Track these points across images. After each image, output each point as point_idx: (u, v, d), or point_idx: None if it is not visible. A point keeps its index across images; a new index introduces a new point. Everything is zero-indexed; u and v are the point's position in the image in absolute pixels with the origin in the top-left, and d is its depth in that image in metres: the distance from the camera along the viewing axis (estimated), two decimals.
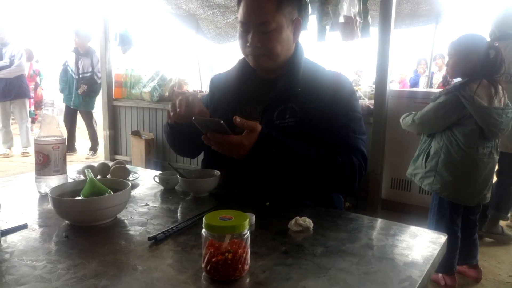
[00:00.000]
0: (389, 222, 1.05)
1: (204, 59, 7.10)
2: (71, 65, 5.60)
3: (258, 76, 1.36)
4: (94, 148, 5.96)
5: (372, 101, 3.38)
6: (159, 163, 4.49)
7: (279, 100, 1.27)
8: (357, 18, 3.46)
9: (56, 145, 1.20)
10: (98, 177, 1.34)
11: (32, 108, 8.74)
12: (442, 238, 0.95)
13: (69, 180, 1.26)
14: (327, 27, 3.81)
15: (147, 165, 4.37)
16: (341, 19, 3.54)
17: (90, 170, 1.16)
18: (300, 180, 1.20)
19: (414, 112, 2.45)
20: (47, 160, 1.19)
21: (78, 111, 5.82)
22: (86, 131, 6.04)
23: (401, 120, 2.50)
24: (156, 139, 4.55)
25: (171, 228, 0.94)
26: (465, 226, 2.36)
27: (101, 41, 4.65)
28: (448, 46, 2.28)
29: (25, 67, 5.84)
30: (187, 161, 4.25)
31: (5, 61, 5.44)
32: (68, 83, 5.65)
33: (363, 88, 4.20)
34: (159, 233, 0.90)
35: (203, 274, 0.74)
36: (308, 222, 0.97)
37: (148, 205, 1.15)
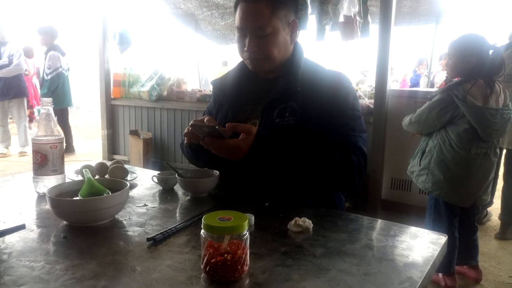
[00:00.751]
0: (389, 222, 1.05)
1: (203, 58, 7.10)
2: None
3: (258, 77, 1.37)
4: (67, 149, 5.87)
5: (372, 101, 3.38)
6: (158, 163, 4.48)
7: (279, 99, 1.28)
8: (357, 18, 3.46)
9: (54, 145, 1.19)
10: (96, 177, 1.34)
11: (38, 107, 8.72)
12: (442, 239, 0.95)
13: (67, 180, 1.25)
14: (327, 27, 3.80)
15: (146, 165, 4.37)
16: (341, 19, 3.54)
17: (88, 170, 1.15)
18: (299, 179, 1.21)
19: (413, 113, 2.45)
20: (45, 159, 1.18)
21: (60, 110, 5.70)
22: (84, 131, 6.02)
23: (402, 121, 2.50)
24: (154, 139, 4.54)
25: (170, 228, 0.94)
26: (463, 227, 2.36)
27: (99, 40, 4.64)
28: (448, 46, 2.27)
29: (24, 66, 5.81)
30: (186, 161, 4.23)
31: (4, 60, 5.42)
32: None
33: (363, 88, 4.19)
34: (158, 234, 0.90)
35: (202, 275, 0.74)
36: (308, 223, 0.97)
37: (147, 205, 1.15)
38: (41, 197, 1.19)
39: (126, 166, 1.47)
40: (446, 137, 2.20)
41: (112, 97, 4.76)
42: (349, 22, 3.47)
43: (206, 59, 7.51)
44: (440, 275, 2.35)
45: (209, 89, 4.80)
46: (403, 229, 1.00)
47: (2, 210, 1.08)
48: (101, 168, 1.42)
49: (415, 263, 0.82)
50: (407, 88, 5.83)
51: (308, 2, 3.74)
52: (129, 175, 1.41)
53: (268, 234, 0.94)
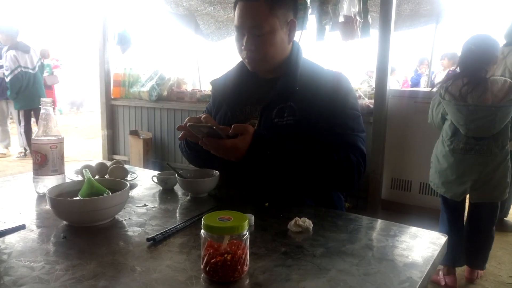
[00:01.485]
0: (389, 222, 1.05)
1: (203, 58, 7.10)
2: None
3: (257, 77, 1.37)
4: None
5: (372, 101, 3.38)
6: (158, 163, 4.48)
7: (278, 99, 1.28)
8: (357, 18, 3.46)
9: (54, 145, 1.19)
10: (96, 177, 1.34)
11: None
12: (442, 239, 0.95)
13: (67, 180, 1.25)
14: (327, 27, 3.80)
15: (146, 165, 4.37)
16: (341, 19, 3.54)
17: (88, 170, 1.15)
18: (297, 179, 1.21)
19: None
20: (45, 160, 1.18)
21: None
22: (84, 131, 6.02)
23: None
24: (154, 139, 4.55)
25: (170, 229, 0.93)
26: (470, 228, 2.38)
27: (100, 40, 4.64)
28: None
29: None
30: (185, 161, 4.23)
31: (3, 60, 5.41)
32: None
33: (363, 88, 4.19)
34: (158, 234, 0.90)
35: (202, 275, 0.74)
36: (308, 223, 0.97)
37: (147, 205, 1.15)
38: (41, 197, 1.19)
39: (126, 166, 1.46)
40: (442, 132, 2.36)
41: (112, 97, 4.77)
42: (349, 22, 3.47)
43: (206, 59, 7.51)
44: (441, 274, 2.35)
45: (209, 89, 4.80)
46: (403, 229, 1.00)
47: (2, 210, 1.08)
48: (101, 168, 1.42)
49: (415, 263, 0.82)
50: (407, 88, 5.82)
51: (308, 2, 3.74)
52: (129, 175, 1.41)
53: (268, 234, 0.94)
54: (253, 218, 0.98)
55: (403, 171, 3.56)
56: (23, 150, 5.80)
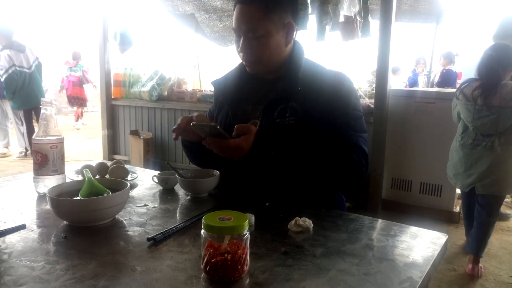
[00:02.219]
0: (389, 222, 1.05)
1: (203, 58, 7.10)
2: None
3: (258, 78, 1.37)
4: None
5: (373, 100, 3.38)
6: (158, 163, 4.48)
7: (280, 99, 1.28)
8: (358, 18, 3.45)
9: (54, 145, 1.19)
10: (97, 177, 1.34)
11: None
12: (442, 239, 0.95)
13: (67, 180, 1.25)
14: (327, 27, 3.80)
15: (146, 165, 4.37)
16: (341, 19, 3.54)
17: (88, 170, 1.15)
18: (300, 179, 1.21)
19: None
20: (45, 159, 1.18)
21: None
22: (85, 131, 6.01)
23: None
24: (155, 139, 4.55)
25: (170, 228, 0.94)
26: (475, 217, 2.59)
27: (100, 40, 4.64)
28: None
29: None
30: (186, 161, 4.24)
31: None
32: None
33: (364, 87, 4.19)
34: (158, 234, 0.90)
35: (202, 275, 0.74)
36: (308, 222, 0.97)
37: (147, 205, 1.15)
38: (41, 197, 1.19)
39: (126, 166, 1.46)
40: (457, 129, 2.65)
41: (112, 97, 4.77)
42: (349, 22, 3.47)
43: (207, 60, 7.51)
44: (469, 266, 2.54)
45: (209, 89, 4.80)
46: (404, 229, 1.00)
47: (2, 210, 1.08)
48: (101, 168, 1.42)
49: (415, 263, 0.82)
50: (408, 88, 5.82)
51: (308, 2, 3.74)
52: (129, 175, 1.41)
53: (268, 234, 0.94)
54: (253, 218, 0.98)
55: (403, 171, 3.56)
56: (24, 150, 5.79)
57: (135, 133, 4.53)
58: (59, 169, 1.21)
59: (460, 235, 3.15)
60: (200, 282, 0.72)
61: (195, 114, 1.23)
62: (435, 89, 5.09)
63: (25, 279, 0.72)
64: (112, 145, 4.87)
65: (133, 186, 1.33)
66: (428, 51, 6.67)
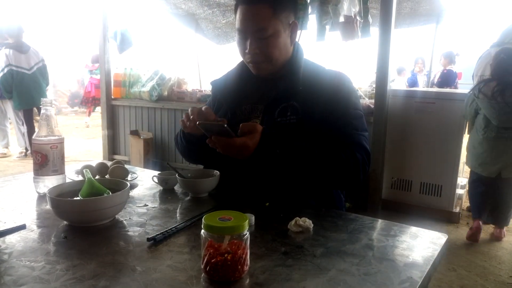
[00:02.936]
0: (389, 222, 1.05)
1: (204, 58, 7.10)
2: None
3: (259, 77, 1.37)
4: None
5: (373, 101, 3.38)
6: (158, 163, 4.48)
7: (281, 99, 1.28)
8: (358, 18, 3.45)
9: (54, 145, 1.19)
10: (97, 177, 1.34)
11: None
12: (442, 239, 0.95)
13: (67, 180, 1.25)
14: (327, 27, 3.79)
15: (146, 165, 4.37)
16: (341, 19, 3.54)
17: (88, 170, 1.15)
18: (305, 177, 1.21)
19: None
20: (45, 160, 1.18)
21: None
22: (85, 131, 6.00)
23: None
24: (155, 139, 4.55)
25: (170, 228, 0.94)
26: (499, 197, 3.03)
27: (100, 40, 4.64)
28: None
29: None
30: (186, 161, 4.25)
31: None
32: None
33: (364, 88, 4.19)
34: (158, 234, 0.90)
35: (202, 275, 0.74)
36: (308, 222, 0.97)
37: (147, 205, 1.15)
38: (41, 197, 1.19)
39: (126, 166, 1.47)
40: (476, 123, 2.99)
41: (112, 97, 4.77)
42: (349, 22, 3.47)
43: (207, 60, 7.51)
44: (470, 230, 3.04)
45: (209, 89, 4.80)
46: (403, 229, 1.00)
47: (2, 210, 1.08)
48: (101, 168, 1.42)
49: (415, 263, 0.82)
50: (407, 88, 5.82)
51: (308, 2, 3.74)
52: (129, 175, 1.41)
53: (268, 234, 0.94)
54: (253, 218, 0.98)
55: (403, 171, 3.56)
56: (24, 150, 5.79)
57: (135, 133, 4.53)
58: (59, 169, 1.21)
59: (460, 235, 3.15)
60: (200, 282, 0.72)
61: (204, 107, 1.21)
62: (435, 89, 5.10)
63: (25, 279, 0.72)
64: (112, 145, 4.87)
65: (133, 186, 1.33)
66: (428, 51, 6.67)
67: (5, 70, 5.14)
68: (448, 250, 1.15)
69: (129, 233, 0.94)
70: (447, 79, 5.97)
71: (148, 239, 0.88)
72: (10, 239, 0.89)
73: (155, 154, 4.54)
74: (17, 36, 5.22)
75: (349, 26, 3.48)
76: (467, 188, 3.45)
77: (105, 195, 1.04)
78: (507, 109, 2.73)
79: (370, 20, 3.65)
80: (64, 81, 11.91)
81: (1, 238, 0.89)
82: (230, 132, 1.08)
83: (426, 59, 7.09)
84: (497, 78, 2.78)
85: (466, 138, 3.47)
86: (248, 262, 0.75)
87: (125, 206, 1.07)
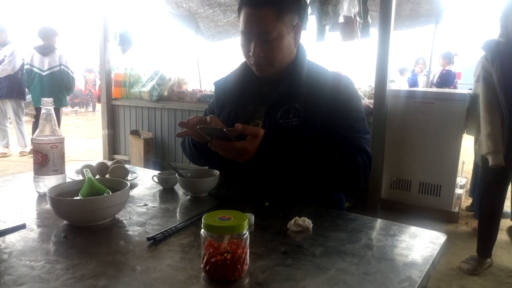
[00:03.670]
0: (388, 222, 1.05)
1: (204, 58, 7.10)
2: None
3: (261, 78, 1.36)
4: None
5: (372, 101, 3.38)
6: (158, 163, 4.49)
7: (283, 100, 1.28)
8: (357, 18, 3.46)
9: (54, 145, 1.19)
10: (97, 176, 1.34)
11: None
12: (442, 239, 0.95)
13: (68, 180, 1.25)
14: (327, 27, 3.80)
15: (146, 164, 4.37)
16: (341, 19, 3.54)
17: (88, 170, 1.16)
18: (305, 181, 1.21)
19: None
20: (46, 159, 1.18)
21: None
22: (85, 131, 6.00)
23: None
24: (155, 139, 4.55)
25: (170, 228, 0.94)
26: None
27: (100, 40, 4.64)
28: None
29: (16, 67, 5.53)
30: (186, 160, 4.25)
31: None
32: None
33: (363, 88, 4.20)
34: (158, 233, 0.90)
35: (202, 274, 0.74)
36: (307, 222, 0.97)
37: (147, 205, 1.15)
38: (41, 197, 1.20)
39: (126, 166, 1.47)
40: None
41: (113, 97, 4.77)
42: (349, 22, 3.47)
43: (207, 59, 7.52)
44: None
45: (209, 89, 4.80)
46: (403, 229, 1.01)
47: (2, 210, 1.08)
48: (101, 168, 1.42)
49: (415, 263, 0.82)
50: (407, 89, 5.83)
51: (308, 2, 3.74)
52: (129, 175, 1.41)
53: (268, 233, 0.94)
54: (253, 217, 0.99)
55: (403, 171, 3.57)
56: (25, 150, 5.81)
57: (135, 133, 4.53)
58: (59, 169, 1.21)
59: (459, 234, 3.15)
60: (200, 282, 0.72)
61: (209, 116, 1.22)
62: (434, 89, 5.10)
63: (25, 278, 0.72)
64: (112, 145, 4.87)
65: (133, 186, 1.33)
66: (427, 51, 6.67)
67: (25, 67, 5.39)
68: (447, 250, 1.16)
69: (129, 232, 0.94)
70: (446, 79, 5.97)
71: (148, 239, 0.88)
72: (10, 238, 0.89)
73: (155, 154, 4.55)
74: (45, 38, 5.35)
75: (348, 26, 3.49)
76: (470, 188, 3.39)
77: (105, 194, 1.04)
78: None
79: (370, 20, 3.66)
80: None
81: (1, 238, 0.89)
82: (230, 137, 1.10)
83: (426, 59, 7.09)
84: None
85: (465, 138, 3.47)
86: (248, 262, 0.75)
87: (125, 205, 1.07)
